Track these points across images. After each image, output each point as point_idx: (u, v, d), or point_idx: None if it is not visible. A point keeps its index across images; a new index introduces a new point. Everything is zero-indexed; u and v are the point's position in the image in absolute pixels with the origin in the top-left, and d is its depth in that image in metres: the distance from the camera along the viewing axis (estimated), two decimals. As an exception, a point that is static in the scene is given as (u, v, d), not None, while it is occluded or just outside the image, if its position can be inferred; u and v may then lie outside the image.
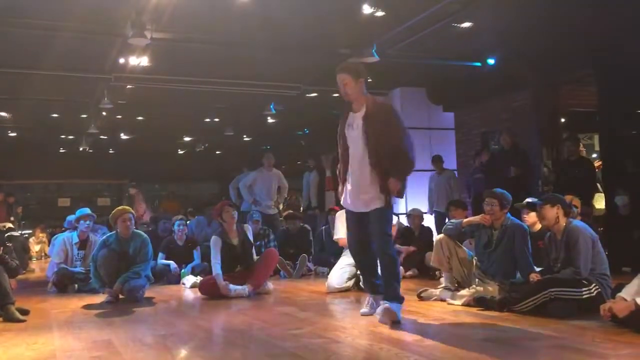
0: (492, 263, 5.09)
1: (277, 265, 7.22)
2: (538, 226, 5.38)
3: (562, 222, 4.58)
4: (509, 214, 5.20)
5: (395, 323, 4.08)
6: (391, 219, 4.38)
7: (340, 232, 6.64)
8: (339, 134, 4.46)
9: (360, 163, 4.26)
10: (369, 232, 4.32)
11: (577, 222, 4.61)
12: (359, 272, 6.19)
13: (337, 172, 4.64)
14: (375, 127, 4.17)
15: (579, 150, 7.97)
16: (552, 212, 4.59)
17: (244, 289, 5.95)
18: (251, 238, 6.45)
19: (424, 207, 9.28)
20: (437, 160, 9.79)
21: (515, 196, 5.36)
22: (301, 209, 11.65)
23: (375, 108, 4.25)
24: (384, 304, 4.21)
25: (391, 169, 4.16)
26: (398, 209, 9.69)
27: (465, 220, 5.42)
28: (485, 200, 5.21)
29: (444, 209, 8.08)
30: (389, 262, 4.30)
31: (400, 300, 4.28)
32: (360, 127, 4.24)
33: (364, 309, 4.53)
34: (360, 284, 6.12)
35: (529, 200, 5.25)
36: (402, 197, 4.35)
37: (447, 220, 6.70)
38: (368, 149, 4.20)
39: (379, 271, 4.43)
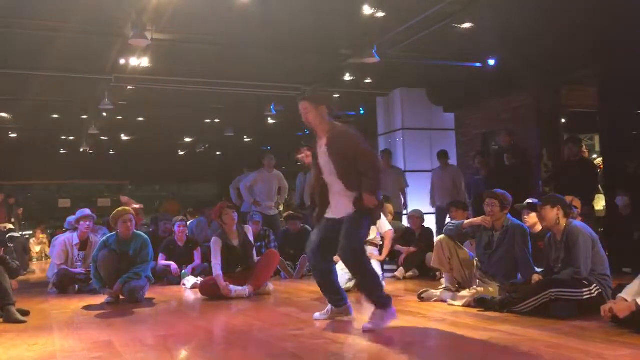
0: (493, 264, 5.09)
1: (278, 266, 7.21)
2: (539, 227, 5.37)
3: (563, 222, 4.57)
4: (509, 215, 5.20)
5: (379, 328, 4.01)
6: (363, 227, 4.23)
7: None
8: (312, 161, 4.48)
9: (333, 187, 4.28)
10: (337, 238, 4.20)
11: (577, 223, 4.60)
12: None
13: (311, 196, 4.64)
14: (338, 153, 4.20)
15: (582, 151, 7.95)
16: (553, 213, 4.58)
17: (245, 289, 5.96)
18: (252, 239, 6.45)
19: (424, 207, 9.28)
20: (442, 155, 9.75)
21: (515, 197, 5.36)
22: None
23: (335, 135, 4.25)
24: (372, 310, 4.14)
25: (363, 187, 4.11)
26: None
27: (466, 221, 5.42)
28: (485, 201, 5.20)
29: (445, 204, 8.07)
30: (353, 267, 4.22)
31: (384, 305, 4.12)
32: (325, 155, 4.27)
33: (317, 314, 4.47)
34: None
35: (529, 201, 5.25)
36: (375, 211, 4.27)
37: (447, 217, 6.70)
38: (337, 175, 4.22)
39: (336, 283, 4.40)
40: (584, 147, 8.57)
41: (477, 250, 5.33)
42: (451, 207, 7.02)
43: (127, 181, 19.48)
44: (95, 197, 19.28)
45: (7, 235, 9.50)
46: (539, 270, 4.84)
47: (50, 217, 17.39)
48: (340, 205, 4.23)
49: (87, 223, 7.16)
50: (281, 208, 10.23)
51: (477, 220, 5.29)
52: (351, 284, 6.20)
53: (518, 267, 4.99)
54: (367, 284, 4.20)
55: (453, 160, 10.57)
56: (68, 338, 4.16)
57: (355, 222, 4.13)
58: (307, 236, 8.57)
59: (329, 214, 4.33)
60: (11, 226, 11.39)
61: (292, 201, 12.15)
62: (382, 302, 4.10)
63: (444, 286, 5.35)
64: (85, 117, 12.04)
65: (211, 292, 6.00)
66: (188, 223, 8.78)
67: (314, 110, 4.28)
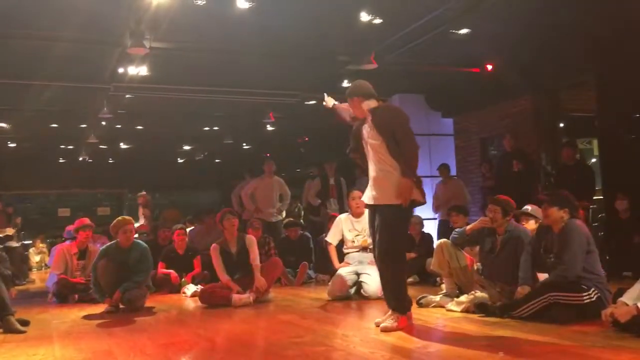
0: (495, 268, 5.06)
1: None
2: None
3: (566, 220, 4.54)
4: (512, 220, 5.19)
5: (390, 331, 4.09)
6: (401, 221, 4.26)
7: (330, 236, 6.67)
8: (353, 134, 4.48)
9: (377, 166, 4.28)
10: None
11: (577, 221, 4.59)
12: (360, 279, 6.18)
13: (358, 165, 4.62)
14: (380, 126, 4.22)
15: (576, 155, 7.96)
16: (559, 214, 4.54)
17: (248, 296, 5.94)
18: (254, 248, 6.34)
19: (423, 213, 9.27)
20: (442, 168, 9.79)
21: (520, 203, 5.36)
22: (302, 216, 11.62)
23: (379, 110, 4.31)
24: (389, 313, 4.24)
25: (402, 169, 4.16)
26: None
27: (468, 227, 5.38)
28: (488, 207, 5.20)
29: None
30: (383, 269, 4.25)
31: (401, 310, 4.21)
32: (369, 130, 4.30)
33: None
34: (362, 291, 6.11)
35: (527, 207, 5.26)
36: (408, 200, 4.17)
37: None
38: (380, 156, 4.23)
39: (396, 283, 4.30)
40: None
41: (480, 255, 5.32)
42: (451, 212, 6.95)
43: (126, 190, 19.47)
44: (94, 206, 19.27)
45: (5, 245, 9.45)
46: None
47: (50, 226, 17.36)
48: (374, 190, 4.25)
49: (86, 232, 7.16)
50: (284, 214, 10.19)
51: (477, 224, 5.29)
52: (352, 290, 6.21)
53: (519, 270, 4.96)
54: (389, 282, 4.26)
55: (452, 166, 10.57)
56: (68, 347, 4.14)
57: (389, 214, 4.15)
58: (306, 243, 8.65)
59: (368, 200, 4.34)
60: (9, 233, 11.30)
61: (292, 208, 12.15)
62: (401, 306, 4.20)
63: (443, 292, 5.35)
64: (84, 126, 12.04)
65: (211, 300, 5.98)
66: (188, 231, 8.76)
67: (360, 106, 4.36)
